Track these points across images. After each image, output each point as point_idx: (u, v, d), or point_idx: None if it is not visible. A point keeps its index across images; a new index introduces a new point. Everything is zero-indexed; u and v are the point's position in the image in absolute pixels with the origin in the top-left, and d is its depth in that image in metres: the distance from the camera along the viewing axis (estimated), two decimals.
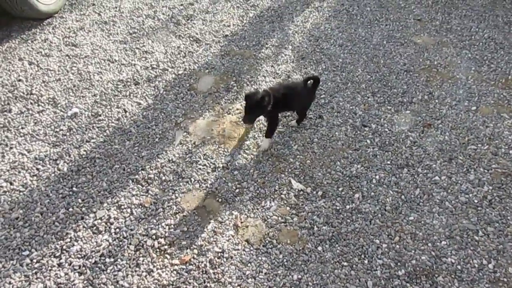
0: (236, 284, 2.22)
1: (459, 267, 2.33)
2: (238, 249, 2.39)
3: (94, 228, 2.48)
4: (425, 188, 2.76)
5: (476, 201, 2.68)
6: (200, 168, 2.85)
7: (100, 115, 3.25)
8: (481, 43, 4.21)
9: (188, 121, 3.24)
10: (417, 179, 2.82)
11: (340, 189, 2.74)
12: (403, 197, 2.70)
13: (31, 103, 3.31)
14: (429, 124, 3.23)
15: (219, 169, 2.85)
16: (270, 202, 2.65)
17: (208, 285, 2.22)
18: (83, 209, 2.57)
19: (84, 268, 2.28)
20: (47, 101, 3.34)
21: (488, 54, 4.04)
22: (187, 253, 2.37)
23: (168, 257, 2.35)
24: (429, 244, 2.44)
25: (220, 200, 2.66)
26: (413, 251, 2.40)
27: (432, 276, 2.29)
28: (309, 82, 2.95)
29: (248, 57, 3.96)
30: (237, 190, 2.72)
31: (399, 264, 2.34)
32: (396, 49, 4.12)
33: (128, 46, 4.05)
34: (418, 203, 2.66)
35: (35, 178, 2.75)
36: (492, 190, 2.75)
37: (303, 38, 4.27)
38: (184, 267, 2.30)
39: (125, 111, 3.31)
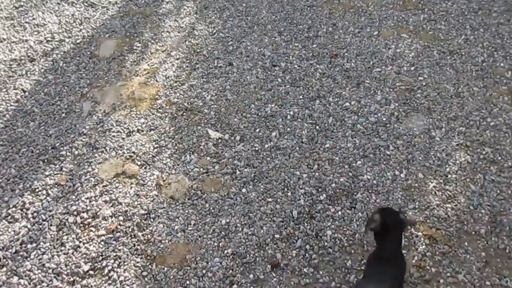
0: (167, 241, 2.23)
1: (374, 182, 2.49)
2: (164, 207, 2.38)
3: (9, 217, 2.35)
4: (337, 115, 2.86)
5: (384, 119, 2.83)
6: (114, 136, 2.75)
7: None
8: None
9: (95, 90, 3.08)
10: (329, 108, 2.91)
11: (257, 130, 2.78)
12: (317, 127, 2.79)
13: None
14: (335, 55, 3.31)
15: (134, 133, 2.77)
16: (190, 156, 2.63)
17: (139, 247, 2.21)
18: None
19: (4, 260, 2.16)
20: None
21: None
22: (112, 221, 2.32)
23: (93, 229, 2.29)
24: (346, 166, 2.57)
25: (139, 163, 2.60)
26: (331, 176, 2.52)
27: (352, 195, 2.42)
28: None
29: (149, 14, 3.78)
30: (155, 150, 2.67)
31: (320, 189, 2.45)
32: None
33: (16, 21, 3.70)
34: (332, 131, 2.77)
35: None
36: (398, 106, 2.91)
37: None
38: (111, 235, 2.26)
39: (24, 91, 3.07)
